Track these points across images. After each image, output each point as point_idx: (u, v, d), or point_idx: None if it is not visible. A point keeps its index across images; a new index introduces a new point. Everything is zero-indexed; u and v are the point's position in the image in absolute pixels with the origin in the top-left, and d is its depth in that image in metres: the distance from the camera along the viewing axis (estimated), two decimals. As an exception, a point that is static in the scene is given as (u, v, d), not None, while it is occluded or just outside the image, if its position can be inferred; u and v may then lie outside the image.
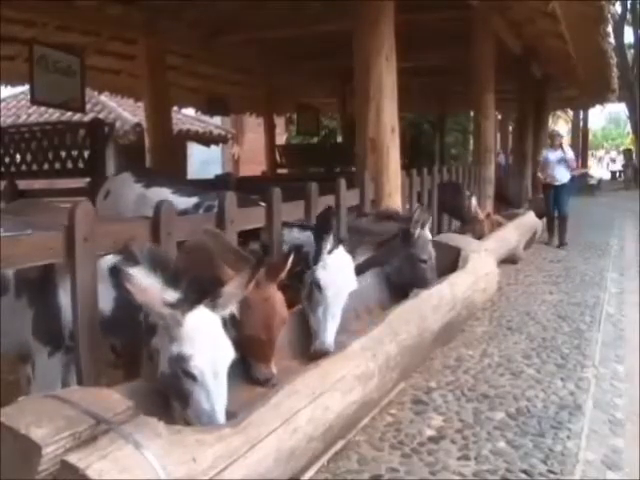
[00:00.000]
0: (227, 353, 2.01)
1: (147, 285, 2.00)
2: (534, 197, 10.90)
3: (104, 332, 2.32)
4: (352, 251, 3.22)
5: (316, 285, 3.00)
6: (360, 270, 3.42)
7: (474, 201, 6.76)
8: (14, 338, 2.45)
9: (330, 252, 3.04)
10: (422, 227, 3.93)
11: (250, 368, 2.56)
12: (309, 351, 2.96)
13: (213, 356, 1.96)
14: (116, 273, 2.09)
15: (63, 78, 6.89)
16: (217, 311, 2.06)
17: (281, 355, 2.79)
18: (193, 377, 1.92)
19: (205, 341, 1.97)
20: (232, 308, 2.16)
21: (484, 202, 7.96)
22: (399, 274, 3.91)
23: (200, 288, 2.07)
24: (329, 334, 2.95)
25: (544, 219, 9.03)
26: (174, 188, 3.92)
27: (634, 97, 23.85)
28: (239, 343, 2.52)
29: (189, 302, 2.00)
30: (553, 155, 8.80)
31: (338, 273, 3.01)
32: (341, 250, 3.09)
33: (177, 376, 1.94)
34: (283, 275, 2.67)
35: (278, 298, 2.63)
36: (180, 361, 1.93)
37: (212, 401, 1.92)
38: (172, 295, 2.02)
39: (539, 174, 9.35)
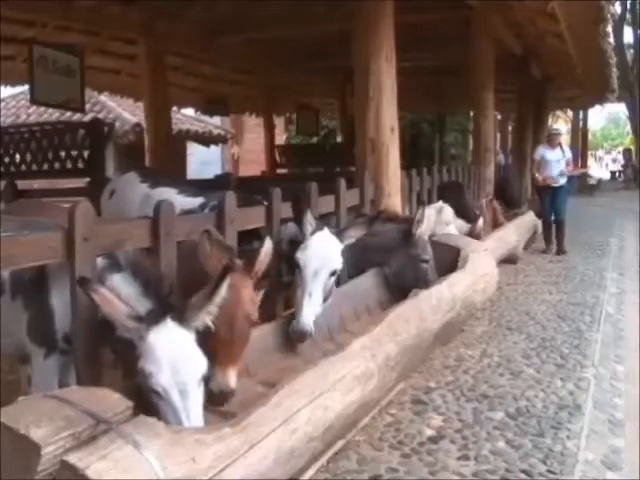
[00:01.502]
0: (196, 368, 1.94)
1: (112, 297, 1.98)
2: (534, 197, 10.85)
3: (103, 332, 2.32)
4: (341, 232, 3.19)
5: (296, 265, 3.00)
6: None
7: (480, 223, 6.52)
8: (13, 339, 2.45)
9: (313, 233, 3.03)
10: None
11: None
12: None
13: (178, 373, 1.90)
14: (83, 283, 2.03)
15: (63, 78, 6.89)
16: (185, 324, 1.99)
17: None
18: (157, 394, 1.90)
19: (168, 358, 1.91)
20: (205, 320, 2.05)
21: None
22: (400, 276, 3.87)
23: (170, 300, 2.03)
24: (305, 313, 2.88)
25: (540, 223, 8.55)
26: (179, 188, 3.92)
27: (634, 97, 23.84)
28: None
29: (154, 316, 1.97)
30: (552, 154, 8.18)
31: (317, 252, 2.99)
32: (325, 232, 3.08)
33: (146, 390, 1.92)
34: (257, 269, 2.50)
35: (247, 293, 2.42)
36: (144, 377, 1.91)
37: (179, 418, 1.88)
38: (145, 305, 2.01)
39: (536, 175, 8.35)
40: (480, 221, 6.39)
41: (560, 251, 8.14)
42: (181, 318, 1.99)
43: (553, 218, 8.30)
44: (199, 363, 1.96)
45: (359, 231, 3.26)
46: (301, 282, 2.97)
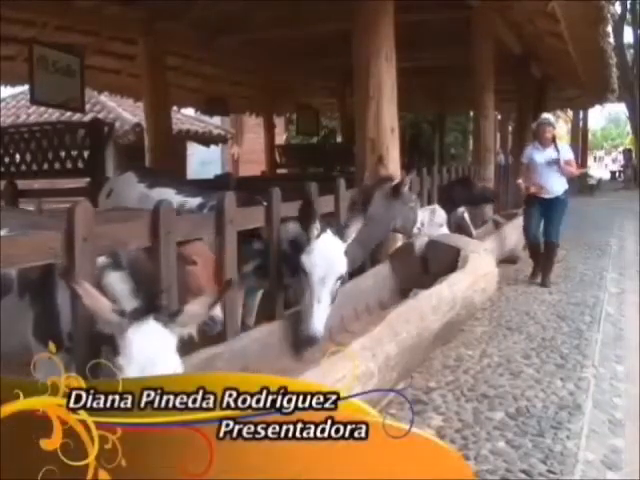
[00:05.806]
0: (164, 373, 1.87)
1: (94, 291, 1.98)
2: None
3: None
4: (343, 231, 3.19)
5: (302, 270, 3.00)
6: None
7: (466, 216, 6.51)
8: (17, 338, 2.45)
9: (317, 237, 3.04)
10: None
11: None
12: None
13: (144, 374, 1.84)
14: (65, 275, 2.04)
15: (63, 78, 6.89)
16: (171, 327, 1.96)
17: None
18: None
19: (139, 355, 1.88)
20: (191, 329, 2.00)
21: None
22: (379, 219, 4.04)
23: (157, 300, 2.01)
24: (315, 319, 2.91)
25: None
26: (177, 189, 3.91)
27: (634, 97, 23.82)
28: None
29: (139, 313, 1.96)
30: (541, 155, 6.17)
31: (323, 257, 3.00)
32: (329, 234, 3.08)
33: None
34: None
35: None
36: (116, 370, 1.86)
37: None
38: (135, 303, 2.01)
39: (519, 181, 6.37)
40: (466, 214, 6.43)
41: (544, 282, 6.23)
42: (165, 320, 1.97)
43: (542, 239, 6.35)
44: (170, 370, 1.90)
45: (357, 225, 3.25)
46: (308, 287, 2.98)
